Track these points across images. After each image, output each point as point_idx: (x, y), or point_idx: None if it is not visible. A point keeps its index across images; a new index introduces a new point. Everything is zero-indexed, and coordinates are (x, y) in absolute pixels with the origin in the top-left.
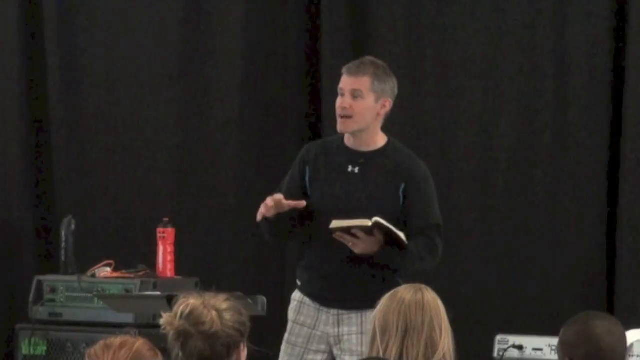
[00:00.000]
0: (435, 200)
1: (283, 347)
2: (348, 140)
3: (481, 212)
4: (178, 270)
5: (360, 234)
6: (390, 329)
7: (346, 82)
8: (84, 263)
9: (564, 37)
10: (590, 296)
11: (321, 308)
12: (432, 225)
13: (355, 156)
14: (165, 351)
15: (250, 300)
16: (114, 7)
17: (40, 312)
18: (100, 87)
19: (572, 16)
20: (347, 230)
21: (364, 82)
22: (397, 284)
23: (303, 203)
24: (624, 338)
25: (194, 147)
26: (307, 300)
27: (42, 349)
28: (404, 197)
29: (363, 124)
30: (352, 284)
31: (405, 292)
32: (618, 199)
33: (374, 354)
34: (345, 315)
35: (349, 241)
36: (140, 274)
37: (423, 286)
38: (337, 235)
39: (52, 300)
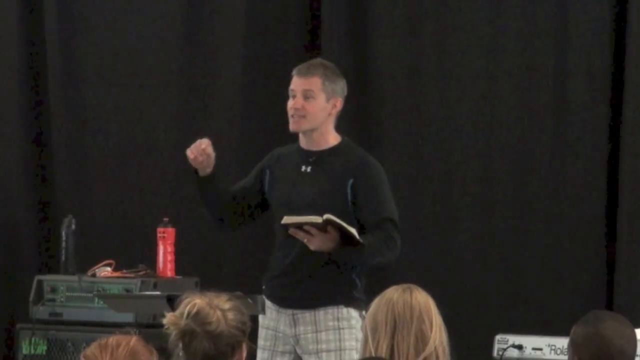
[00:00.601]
0: (389, 196)
1: (258, 353)
2: (302, 142)
3: (481, 212)
4: (178, 270)
5: (313, 230)
6: (380, 327)
7: (297, 83)
8: (84, 263)
9: (565, 37)
10: (590, 296)
11: (280, 309)
12: (384, 219)
13: (308, 156)
14: (165, 351)
15: (250, 300)
16: (114, 7)
17: (40, 311)
18: (100, 87)
19: (572, 16)
20: (300, 227)
21: (315, 83)
22: (353, 282)
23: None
24: (634, 339)
25: None
26: (268, 302)
27: (42, 349)
28: (354, 193)
29: (315, 123)
30: (306, 282)
31: (393, 291)
32: (618, 200)
33: (364, 354)
34: (300, 314)
35: (303, 237)
36: (141, 273)
37: (413, 286)
38: (292, 232)
39: (53, 300)
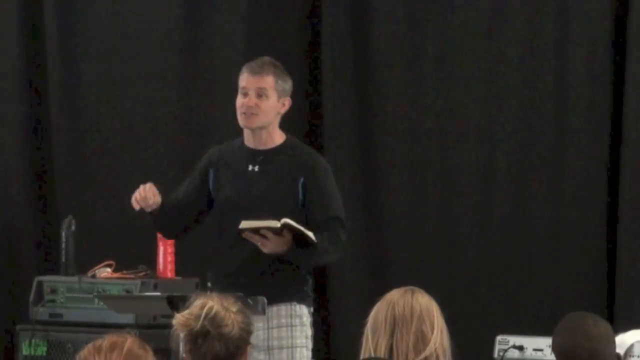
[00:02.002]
0: (336, 194)
1: None
2: (248, 140)
3: (480, 212)
4: (178, 271)
5: (269, 234)
6: (380, 327)
7: (250, 82)
8: (84, 264)
9: (565, 37)
10: (590, 296)
11: None
12: (332, 217)
13: (255, 155)
14: (164, 351)
15: (250, 301)
16: (114, 8)
17: (40, 312)
18: (100, 88)
19: (573, 16)
20: (255, 231)
21: (268, 81)
22: (305, 279)
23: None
24: (607, 337)
25: (194, 148)
26: None
27: (42, 350)
28: (304, 191)
29: (266, 121)
30: (259, 280)
31: (395, 293)
32: (618, 200)
33: (364, 355)
34: None
35: (257, 241)
36: (141, 274)
37: (415, 289)
38: (246, 235)
39: (53, 301)
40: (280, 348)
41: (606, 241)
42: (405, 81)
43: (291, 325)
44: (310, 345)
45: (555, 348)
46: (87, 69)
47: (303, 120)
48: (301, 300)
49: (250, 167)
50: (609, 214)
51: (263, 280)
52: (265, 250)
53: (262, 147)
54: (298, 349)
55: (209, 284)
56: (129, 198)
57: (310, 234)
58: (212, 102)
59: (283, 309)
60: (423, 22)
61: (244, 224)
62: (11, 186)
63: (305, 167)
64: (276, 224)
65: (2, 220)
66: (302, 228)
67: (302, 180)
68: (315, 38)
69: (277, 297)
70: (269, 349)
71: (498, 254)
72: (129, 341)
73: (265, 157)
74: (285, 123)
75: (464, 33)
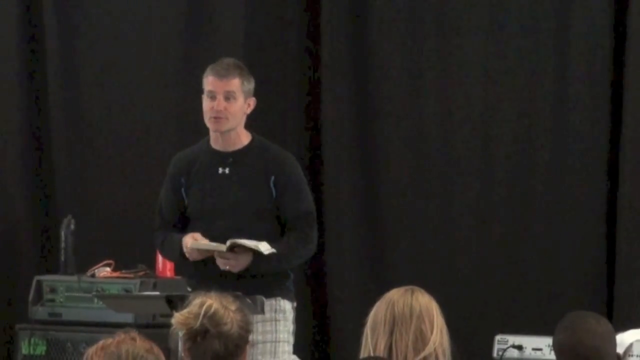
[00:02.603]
0: (306, 189)
1: None
2: (215, 143)
3: (480, 212)
4: (177, 270)
5: (228, 255)
6: (379, 326)
7: (217, 85)
8: (83, 263)
9: (565, 37)
10: (589, 296)
11: None
12: (302, 213)
13: (224, 157)
14: (164, 351)
15: (249, 300)
16: (113, 9)
17: (39, 312)
18: (99, 88)
19: (572, 16)
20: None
21: (235, 84)
22: (287, 274)
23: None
24: (609, 336)
25: None
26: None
27: (41, 349)
28: (276, 189)
29: (234, 123)
30: (243, 278)
31: (394, 293)
32: (617, 200)
33: (364, 354)
34: None
35: (224, 265)
36: (140, 274)
37: (416, 288)
38: (218, 262)
39: (52, 300)
40: (264, 342)
41: (605, 241)
42: (404, 79)
43: (275, 320)
44: (292, 340)
45: (556, 346)
46: (86, 69)
47: (302, 119)
48: (284, 295)
49: (220, 170)
50: (609, 214)
51: (245, 277)
52: (235, 270)
53: (230, 149)
54: (281, 343)
55: (189, 289)
56: (128, 197)
57: (262, 245)
58: None
59: (268, 303)
60: (422, 19)
61: (193, 244)
62: (11, 186)
63: (275, 165)
64: (222, 247)
65: (2, 219)
66: (248, 243)
67: (273, 179)
68: (314, 35)
69: (262, 292)
70: (253, 343)
71: (497, 254)
72: (138, 343)
73: (235, 158)
74: (283, 121)
75: (463, 32)
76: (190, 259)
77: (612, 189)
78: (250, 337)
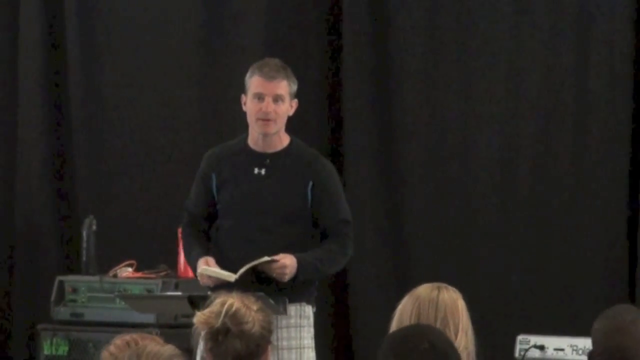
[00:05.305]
0: (342, 196)
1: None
2: (255, 144)
3: (502, 212)
4: None
5: (266, 266)
6: (404, 324)
7: (267, 87)
8: (105, 263)
9: (586, 38)
10: (612, 296)
11: None
12: (341, 221)
13: (260, 158)
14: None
15: (272, 301)
16: (134, 7)
17: (61, 312)
18: (121, 88)
19: (594, 17)
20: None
21: (284, 87)
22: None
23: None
24: None
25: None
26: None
27: (63, 349)
28: (312, 194)
29: (281, 125)
30: (261, 288)
31: (422, 290)
32: (639, 198)
33: None
34: None
35: (282, 275)
36: (162, 274)
37: (443, 285)
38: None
39: (74, 301)
40: (290, 348)
41: (627, 241)
42: (426, 77)
43: (300, 326)
44: (314, 345)
45: (595, 333)
46: (107, 69)
47: (324, 118)
48: (308, 300)
49: (256, 171)
50: (631, 213)
51: (270, 284)
52: (286, 279)
53: (269, 150)
54: (306, 350)
55: (209, 292)
56: (150, 198)
57: (263, 259)
58: (233, 103)
59: (292, 309)
60: (443, 18)
61: (203, 270)
62: (32, 186)
63: (313, 171)
64: (231, 277)
65: (24, 220)
66: (253, 263)
67: (311, 184)
68: (336, 35)
69: (289, 297)
70: (277, 349)
71: (519, 254)
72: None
73: (272, 160)
74: (306, 121)
75: (485, 30)
76: (201, 283)
77: (634, 188)
78: (274, 341)
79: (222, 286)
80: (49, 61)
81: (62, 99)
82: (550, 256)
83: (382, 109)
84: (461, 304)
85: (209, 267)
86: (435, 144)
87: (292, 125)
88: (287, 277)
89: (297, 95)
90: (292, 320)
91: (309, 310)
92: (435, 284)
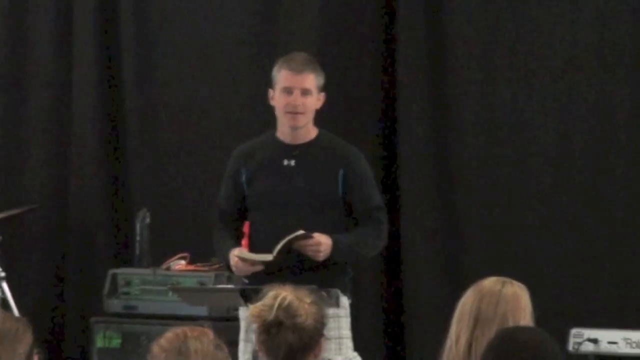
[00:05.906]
0: (374, 183)
1: (240, 346)
2: (284, 136)
3: (556, 206)
4: None
5: (302, 243)
6: (464, 318)
7: (295, 81)
8: (158, 256)
9: None
10: None
11: None
12: (374, 207)
13: (290, 149)
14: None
15: (324, 293)
16: (188, 3)
17: (114, 305)
18: (174, 83)
19: None
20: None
21: (311, 80)
22: (347, 270)
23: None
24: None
25: None
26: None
27: (116, 342)
28: (344, 184)
29: (310, 118)
30: (307, 273)
31: (486, 283)
32: None
33: (447, 344)
34: None
35: (316, 252)
36: (215, 267)
37: (508, 280)
38: (298, 246)
39: (127, 293)
40: (329, 339)
41: None
42: (480, 76)
43: (338, 317)
44: (351, 336)
45: None
46: (162, 63)
47: (377, 118)
48: (344, 291)
49: (285, 162)
50: None
51: (312, 273)
52: (321, 258)
53: (298, 142)
54: (344, 340)
55: (246, 281)
56: (203, 190)
57: (297, 233)
58: None
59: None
60: (498, 18)
61: (239, 254)
62: (87, 179)
63: (342, 159)
64: (268, 257)
65: (78, 213)
66: (287, 239)
67: (342, 172)
68: (390, 34)
69: (326, 287)
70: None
71: (573, 248)
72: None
73: (301, 151)
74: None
75: (540, 32)
76: (236, 273)
77: None
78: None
79: (259, 277)
80: (103, 56)
81: (117, 91)
82: (605, 250)
83: (437, 104)
84: (525, 301)
85: (244, 250)
86: (489, 138)
87: (346, 122)
88: (321, 256)
89: (351, 94)
90: (330, 311)
91: (345, 301)
92: (501, 279)
